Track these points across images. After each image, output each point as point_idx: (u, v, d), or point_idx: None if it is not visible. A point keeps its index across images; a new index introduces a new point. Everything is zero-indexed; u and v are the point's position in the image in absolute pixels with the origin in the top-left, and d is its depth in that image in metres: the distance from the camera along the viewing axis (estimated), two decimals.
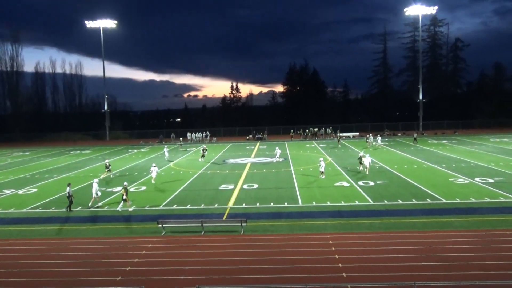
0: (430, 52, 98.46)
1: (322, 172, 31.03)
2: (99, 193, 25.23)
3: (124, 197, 23.36)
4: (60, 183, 32.37)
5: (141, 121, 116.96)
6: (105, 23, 71.80)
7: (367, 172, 32.17)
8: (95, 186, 24.86)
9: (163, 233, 18.82)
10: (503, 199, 22.98)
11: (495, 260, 14.54)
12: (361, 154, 35.96)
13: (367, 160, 32.74)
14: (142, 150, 57.16)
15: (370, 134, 54.95)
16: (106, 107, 76.12)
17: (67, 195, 23.73)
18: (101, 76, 76.99)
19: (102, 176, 34.55)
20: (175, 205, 24.24)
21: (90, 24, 71.65)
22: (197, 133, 69.78)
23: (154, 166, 32.58)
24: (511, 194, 23.87)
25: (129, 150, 56.67)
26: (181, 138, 65.90)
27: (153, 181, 31.35)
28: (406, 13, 72.52)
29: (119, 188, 29.37)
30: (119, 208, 23.67)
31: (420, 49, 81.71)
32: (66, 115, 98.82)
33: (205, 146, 47.89)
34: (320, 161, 32.01)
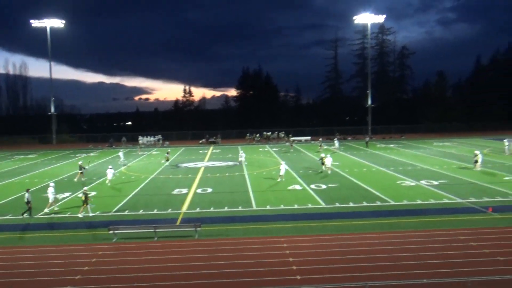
0: (378, 59, 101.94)
1: (281, 175, 31.43)
2: (59, 197, 24.80)
3: (86, 202, 22.76)
4: (2, 190, 30.78)
5: (90, 124, 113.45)
6: (52, 23, 69.12)
7: (329, 172, 33.68)
8: (50, 190, 24.02)
9: (114, 240, 18.32)
10: (446, 200, 24.10)
11: (441, 259, 15.21)
12: (322, 155, 36.98)
13: (328, 160, 34.47)
14: (91, 154, 55.41)
15: (321, 139, 56.29)
16: (52, 110, 73.23)
17: (26, 201, 22.77)
18: (48, 77, 74.08)
19: (75, 179, 34.16)
20: (126, 211, 23.66)
21: (36, 23, 68.78)
22: (149, 137, 68.56)
23: (111, 168, 32.25)
24: (454, 196, 25.08)
25: (77, 155, 54.75)
26: (140, 141, 65.04)
27: (108, 183, 31.04)
28: (356, 21, 74.68)
29: (66, 194, 28.37)
30: (79, 215, 22.84)
31: (369, 56, 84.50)
32: (9, 118, 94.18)
33: (169, 150, 47.93)
34: (282, 164, 32.53)
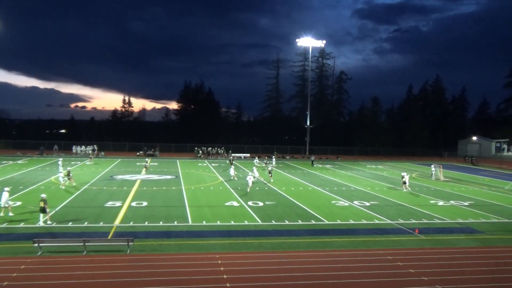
0: (318, 81, 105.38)
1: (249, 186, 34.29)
2: (10, 203, 23.93)
3: (47, 209, 21.92)
4: None
5: (19, 130, 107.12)
6: None
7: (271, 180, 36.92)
8: (5, 195, 23.13)
9: (39, 253, 17.27)
10: (377, 221, 25.09)
11: (370, 278, 15.75)
12: (270, 168, 42.38)
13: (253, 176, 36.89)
14: (19, 162, 52.31)
15: (273, 157, 57.67)
16: None
17: None
18: None
19: (63, 186, 33.20)
20: (54, 223, 22.44)
21: None
22: (83, 146, 65.94)
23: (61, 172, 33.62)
24: (383, 217, 26.17)
25: (3, 162, 51.46)
26: (73, 150, 62.44)
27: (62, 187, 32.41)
28: (298, 44, 76.92)
29: None
30: (41, 223, 21.82)
31: (309, 78, 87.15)
32: None
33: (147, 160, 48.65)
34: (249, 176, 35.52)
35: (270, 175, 40.66)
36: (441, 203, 31.84)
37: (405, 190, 36.47)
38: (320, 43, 76.84)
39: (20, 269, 15.48)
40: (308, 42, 75.88)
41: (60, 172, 33.50)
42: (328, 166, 59.39)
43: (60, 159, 47.39)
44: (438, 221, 25.71)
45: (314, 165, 58.47)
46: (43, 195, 22.64)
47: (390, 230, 23.26)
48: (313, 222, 24.47)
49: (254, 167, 46.25)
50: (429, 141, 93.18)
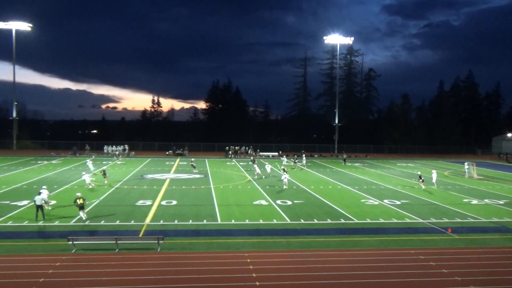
0: (346, 79, 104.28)
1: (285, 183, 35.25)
2: (48, 201, 25.34)
3: (85, 205, 23.43)
4: None
5: (53, 131, 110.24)
6: (18, 25, 67.45)
7: (284, 187, 34.98)
8: (45, 193, 24.64)
9: (73, 251, 17.73)
10: (408, 220, 24.63)
11: (401, 277, 15.48)
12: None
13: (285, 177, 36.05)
14: (53, 162, 53.82)
15: (302, 155, 57.33)
16: (14, 115, 70.95)
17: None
18: (10, 81, 71.89)
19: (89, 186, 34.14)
20: (87, 221, 23.00)
21: (1, 25, 66.86)
22: (114, 146, 67.25)
23: (84, 174, 34.47)
24: (415, 216, 25.67)
25: (39, 162, 53.07)
26: (105, 150, 63.85)
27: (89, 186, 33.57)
28: (326, 41, 76.32)
29: (24, 202, 27.35)
30: (84, 217, 23.30)
31: (337, 76, 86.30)
32: None
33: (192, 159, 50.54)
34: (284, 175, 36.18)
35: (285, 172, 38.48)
36: (475, 201, 31.01)
37: (422, 187, 36.13)
38: (348, 40, 76.09)
39: (55, 266, 15.92)
40: (335, 39, 75.22)
41: (84, 174, 34.54)
42: (357, 164, 58.71)
43: (88, 159, 48.60)
44: (472, 220, 25.04)
45: (347, 164, 57.90)
46: (79, 194, 23.70)
47: (421, 229, 22.80)
48: (343, 221, 24.23)
49: (266, 164, 46.31)
50: (462, 138, 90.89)
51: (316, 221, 23.95)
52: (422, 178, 36.59)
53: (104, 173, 36.55)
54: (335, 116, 77.65)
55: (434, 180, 37.78)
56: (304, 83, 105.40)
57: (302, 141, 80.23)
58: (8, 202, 27.29)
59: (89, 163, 44.33)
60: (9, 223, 22.29)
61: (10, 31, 67.90)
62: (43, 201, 23.39)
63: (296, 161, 54.17)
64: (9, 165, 48.16)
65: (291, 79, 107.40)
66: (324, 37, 75.10)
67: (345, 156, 62.87)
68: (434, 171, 39.23)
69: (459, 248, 19.36)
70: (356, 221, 24.28)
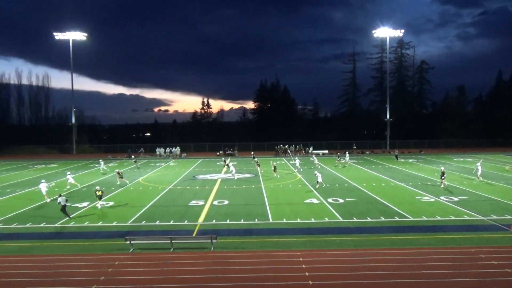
0: (397, 73, 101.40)
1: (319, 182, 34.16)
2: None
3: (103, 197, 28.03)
4: (22, 198, 31.34)
5: (109, 135, 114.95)
6: (75, 35, 70.85)
7: (317, 186, 34.08)
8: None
9: (131, 250, 18.39)
10: (467, 217, 23.61)
11: (461, 277, 14.87)
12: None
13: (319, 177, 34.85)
14: (110, 164, 56.04)
15: (346, 152, 56.24)
16: (73, 120, 74.58)
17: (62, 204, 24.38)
18: (69, 88, 75.67)
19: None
20: (143, 221, 23.78)
21: (59, 36, 70.51)
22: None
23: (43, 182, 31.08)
24: (474, 212, 24.56)
25: (97, 165, 55.45)
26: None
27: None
28: (374, 35, 74.65)
29: (85, 204, 28.71)
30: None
31: (387, 70, 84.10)
32: (31, 128, 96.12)
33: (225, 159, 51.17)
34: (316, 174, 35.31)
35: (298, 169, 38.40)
36: None
37: (442, 186, 33.35)
38: (398, 33, 73.97)
39: (114, 265, 16.58)
40: (385, 32, 73.38)
41: (68, 173, 37.26)
42: (410, 160, 56.95)
43: (100, 160, 50.83)
44: None
45: (400, 160, 56.42)
46: (98, 187, 28.50)
47: (481, 226, 21.77)
48: (397, 218, 23.59)
49: (297, 159, 48.78)
50: None
51: (369, 219, 23.47)
52: (445, 175, 33.78)
53: (120, 174, 37.93)
54: (386, 112, 75.73)
55: (479, 173, 36.65)
56: (354, 79, 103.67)
57: (353, 138, 78.84)
58: (70, 204, 28.68)
59: (102, 162, 48.45)
60: (71, 224, 23.44)
61: (67, 41, 71.41)
62: (65, 201, 24.55)
63: (339, 158, 53.26)
64: (70, 169, 50.58)
65: (340, 75, 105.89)
66: (373, 31, 73.49)
67: (397, 152, 61.27)
68: (479, 164, 37.84)
69: None
70: (411, 218, 23.56)
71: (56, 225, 23.28)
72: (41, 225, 23.31)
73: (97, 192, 27.46)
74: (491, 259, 16.62)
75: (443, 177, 33.52)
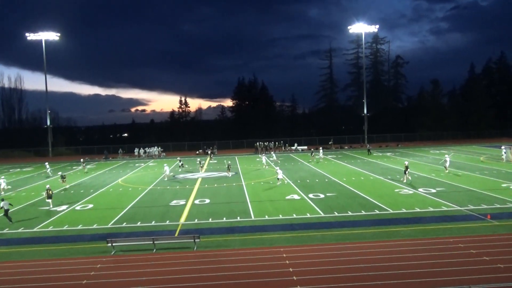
0: (373, 68, 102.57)
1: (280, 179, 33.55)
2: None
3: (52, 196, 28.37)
4: None
5: (86, 136, 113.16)
6: (47, 36, 69.36)
7: (278, 183, 34.16)
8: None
9: (112, 253, 18.18)
10: (445, 208, 24.11)
11: (441, 267, 15.18)
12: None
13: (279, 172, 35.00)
14: (88, 166, 55.15)
15: (320, 148, 56.54)
16: (48, 122, 73.09)
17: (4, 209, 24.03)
18: (43, 90, 74.08)
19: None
20: (124, 223, 23.52)
21: (31, 36, 68.92)
22: (146, 148, 68.14)
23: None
24: (452, 203, 25.10)
25: (74, 167, 54.55)
26: (179, 158, 65.15)
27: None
28: (350, 31, 75.27)
29: (64, 207, 28.22)
30: (51, 206, 28.04)
31: (363, 65, 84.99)
32: (4, 131, 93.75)
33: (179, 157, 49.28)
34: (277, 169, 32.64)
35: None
36: None
37: (405, 180, 33.31)
38: (373, 28, 74.75)
39: (96, 268, 16.37)
40: (360, 28, 74.07)
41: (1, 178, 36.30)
42: (388, 154, 57.78)
43: (46, 163, 49.38)
44: None
45: (372, 153, 57.15)
46: (48, 186, 29.20)
47: (459, 217, 22.28)
48: (377, 212, 23.94)
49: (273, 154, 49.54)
50: (496, 121, 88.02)
51: (350, 213, 23.75)
52: (408, 169, 33.80)
53: (62, 177, 38.25)
54: (363, 106, 76.59)
55: (447, 164, 37.82)
56: (331, 74, 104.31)
57: (331, 133, 79.47)
58: (48, 208, 28.15)
59: (166, 167, 42.22)
60: (50, 228, 23.02)
61: (40, 41, 69.89)
62: (8, 205, 24.40)
63: (312, 154, 53.63)
64: (46, 172, 49.59)
65: (317, 71, 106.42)
66: (349, 27, 74.07)
67: (369, 146, 61.88)
68: (447, 156, 39.03)
69: (500, 235, 18.84)
70: (391, 211, 23.94)
71: (35, 229, 22.83)
72: (19, 230, 22.82)
73: (48, 192, 28.26)
74: (469, 248, 17.03)
75: (406, 172, 33.54)
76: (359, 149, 67.75)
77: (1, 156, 73.06)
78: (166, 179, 39.51)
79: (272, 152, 58.47)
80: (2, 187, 35.19)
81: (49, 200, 28.14)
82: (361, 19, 78.57)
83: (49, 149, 73.21)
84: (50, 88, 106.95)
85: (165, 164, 43.52)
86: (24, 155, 73.92)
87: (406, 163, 35.27)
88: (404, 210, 23.98)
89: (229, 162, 44.13)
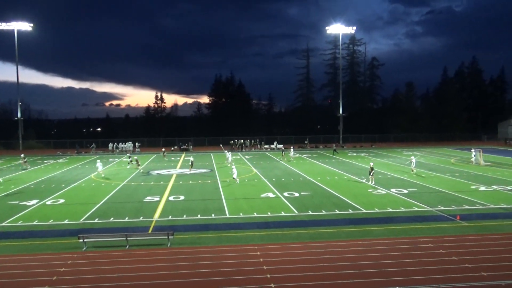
0: (349, 69, 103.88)
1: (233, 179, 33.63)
2: None
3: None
4: None
5: (58, 130, 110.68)
6: (20, 26, 67.46)
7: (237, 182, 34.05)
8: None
9: (84, 249, 17.83)
10: (416, 208, 24.59)
11: (412, 266, 15.47)
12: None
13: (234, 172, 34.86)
14: (60, 161, 54.06)
15: (291, 147, 56.78)
16: (19, 115, 71.18)
17: None
18: (14, 81, 72.09)
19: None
20: (97, 219, 23.12)
21: (2, 25, 66.91)
22: (121, 143, 67.06)
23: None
24: (423, 204, 25.62)
25: (45, 161, 53.34)
26: (110, 148, 64.21)
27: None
28: (328, 31, 75.87)
29: (33, 202, 27.52)
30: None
31: (340, 66, 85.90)
32: None
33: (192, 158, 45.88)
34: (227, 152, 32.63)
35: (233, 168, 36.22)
36: (482, 188, 30.88)
37: (370, 183, 33.07)
38: (350, 30, 75.60)
39: (67, 264, 16.03)
40: (338, 29, 74.75)
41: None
42: (363, 154, 58.57)
43: (22, 155, 48.06)
44: (481, 206, 24.96)
45: (338, 153, 57.99)
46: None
47: (430, 217, 22.76)
48: (351, 211, 24.23)
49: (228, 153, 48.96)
50: (468, 125, 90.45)
51: (324, 212, 23.96)
52: (373, 171, 33.56)
53: (137, 161, 43.07)
54: (339, 107, 77.40)
55: (412, 166, 38.41)
56: (308, 74, 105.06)
57: (307, 133, 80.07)
58: (17, 202, 27.46)
59: (99, 164, 41.80)
60: (20, 223, 22.45)
61: (12, 31, 67.94)
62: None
63: (283, 152, 53.85)
64: (17, 166, 48.40)
65: (294, 70, 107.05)
66: (326, 27, 74.67)
67: (335, 146, 63.19)
68: (413, 158, 39.74)
69: (469, 235, 19.32)
70: (364, 211, 24.28)
71: (3, 224, 22.21)
72: None
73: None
74: (439, 248, 17.41)
75: (371, 173, 33.41)
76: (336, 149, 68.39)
77: None
78: (103, 175, 38.97)
79: (227, 151, 55.72)
80: None
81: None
82: (339, 20, 79.34)
83: (20, 142, 71.31)
84: (21, 80, 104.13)
85: (98, 161, 42.36)
86: None
87: (371, 164, 35.07)
88: (377, 210, 24.35)
89: (192, 159, 43.67)
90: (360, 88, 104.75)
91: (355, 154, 58.08)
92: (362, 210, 24.38)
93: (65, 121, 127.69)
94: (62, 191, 31.40)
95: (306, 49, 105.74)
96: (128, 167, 45.17)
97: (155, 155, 60.46)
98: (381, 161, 49.49)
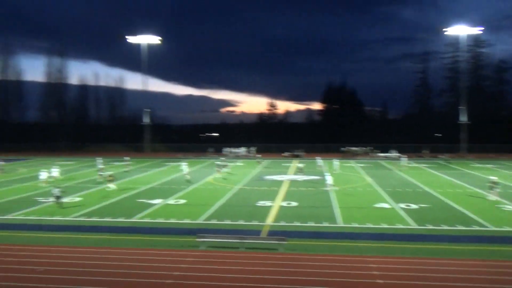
0: (473, 73, 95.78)
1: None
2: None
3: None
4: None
5: (179, 134, 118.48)
6: (147, 39, 73.49)
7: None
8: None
9: (201, 248, 18.80)
10: None
11: None
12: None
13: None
14: (182, 163, 57.72)
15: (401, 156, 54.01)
16: (146, 120, 77.75)
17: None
18: (142, 89, 79.16)
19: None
20: (213, 220, 24.25)
21: (132, 39, 73.44)
22: (239, 148, 69.87)
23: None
24: None
25: (167, 163, 57.46)
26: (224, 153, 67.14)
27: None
28: (447, 33, 71.00)
29: (158, 200, 29.76)
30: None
31: (463, 70, 79.65)
32: (107, 127, 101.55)
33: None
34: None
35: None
36: None
37: (492, 198, 29.11)
38: (475, 31, 69.82)
39: (187, 261, 17.03)
40: (459, 30, 69.58)
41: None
42: (489, 165, 53.53)
43: (185, 163, 49.78)
44: None
45: (451, 163, 53.33)
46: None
47: None
48: (476, 227, 22.23)
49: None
50: None
51: (445, 227, 22.31)
52: (496, 186, 29.27)
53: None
54: (461, 114, 71.81)
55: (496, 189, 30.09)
56: (425, 79, 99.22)
57: (424, 141, 75.50)
58: (144, 200, 29.92)
59: (184, 166, 44.07)
60: (146, 220, 24.43)
61: (140, 44, 74.48)
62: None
63: (401, 162, 50.91)
64: (144, 167, 52.89)
65: (410, 75, 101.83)
66: (446, 29, 69.85)
67: (395, 153, 57.85)
68: (495, 178, 30.89)
69: None
70: (493, 228, 22.10)
71: (133, 220, 24.35)
72: (118, 219, 24.49)
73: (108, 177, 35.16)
74: None
75: (493, 188, 29.29)
76: (456, 159, 63.63)
77: (104, 149, 79.03)
78: (188, 176, 40.61)
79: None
80: (55, 176, 39.28)
81: (110, 185, 34.51)
82: (460, 21, 73.37)
83: (146, 145, 77.83)
84: (148, 88, 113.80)
85: (184, 163, 44.93)
86: (123, 150, 79.33)
87: (493, 178, 30.63)
88: (508, 228, 22.01)
89: (302, 165, 44.18)
90: (485, 93, 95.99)
91: (480, 166, 53.31)
92: (489, 228, 22.24)
93: (185, 126, 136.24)
94: (183, 192, 33.51)
95: (423, 53, 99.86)
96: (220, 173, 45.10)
97: (268, 160, 61.70)
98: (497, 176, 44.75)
